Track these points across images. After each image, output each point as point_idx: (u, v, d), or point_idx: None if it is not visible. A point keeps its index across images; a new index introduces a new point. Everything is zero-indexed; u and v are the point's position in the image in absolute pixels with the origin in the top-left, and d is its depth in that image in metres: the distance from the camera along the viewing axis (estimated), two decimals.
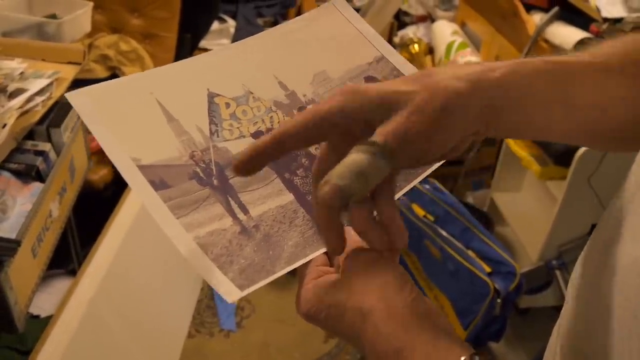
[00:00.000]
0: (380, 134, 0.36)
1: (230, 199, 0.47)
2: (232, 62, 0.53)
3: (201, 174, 0.47)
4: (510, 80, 0.38)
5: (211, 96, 0.50)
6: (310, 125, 0.38)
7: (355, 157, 0.35)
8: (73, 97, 0.46)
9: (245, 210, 0.46)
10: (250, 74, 0.53)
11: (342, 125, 0.38)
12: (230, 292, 0.42)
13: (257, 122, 0.51)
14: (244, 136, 0.50)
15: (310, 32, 0.57)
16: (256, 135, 0.50)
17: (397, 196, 0.49)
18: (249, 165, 0.40)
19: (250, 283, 0.43)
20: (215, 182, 0.47)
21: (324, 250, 0.46)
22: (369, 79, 0.56)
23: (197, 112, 0.49)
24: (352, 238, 0.43)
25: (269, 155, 0.39)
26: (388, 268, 0.41)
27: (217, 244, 0.44)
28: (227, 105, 0.51)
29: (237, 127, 0.50)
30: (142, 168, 0.45)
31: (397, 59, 0.57)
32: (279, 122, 0.51)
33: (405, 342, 0.37)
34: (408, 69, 0.57)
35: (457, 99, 0.36)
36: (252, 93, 0.52)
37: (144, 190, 0.44)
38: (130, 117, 0.47)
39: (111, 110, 0.47)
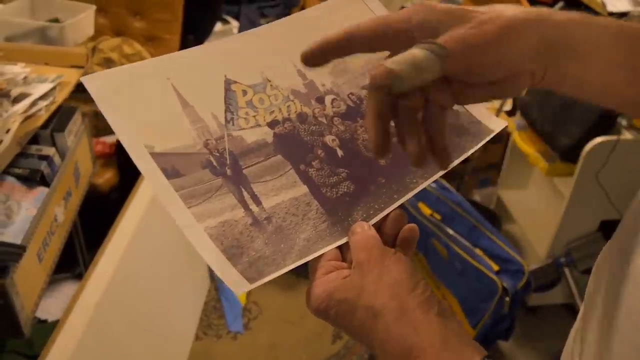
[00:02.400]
0: (441, 39, 0.37)
1: (243, 189, 0.46)
2: (251, 48, 0.52)
3: (214, 163, 0.46)
4: (576, 26, 0.38)
5: (228, 83, 0.50)
6: (379, 29, 0.39)
7: (412, 50, 0.37)
8: (88, 81, 0.46)
9: (257, 202, 0.46)
10: (268, 61, 0.52)
11: (408, 33, 0.39)
12: (238, 284, 0.41)
13: (273, 111, 0.50)
14: (259, 125, 0.49)
15: (332, 20, 0.55)
16: (272, 124, 0.49)
17: (415, 191, 0.48)
18: (316, 55, 0.41)
19: (260, 276, 0.42)
20: (228, 171, 0.46)
21: (336, 244, 0.45)
22: None
23: (214, 99, 0.49)
24: (367, 234, 0.43)
25: (336, 50, 0.41)
26: (401, 265, 0.40)
27: (228, 235, 0.43)
28: (244, 92, 0.50)
29: (254, 116, 0.49)
30: (155, 156, 0.44)
31: None
32: (295, 111, 0.50)
33: (417, 343, 0.36)
34: None
35: (518, 25, 0.37)
36: (269, 81, 0.51)
37: (156, 178, 0.44)
38: (145, 102, 0.47)
39: (126, 95, 0.46)
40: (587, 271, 1.72)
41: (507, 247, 1.63)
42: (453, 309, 1.70)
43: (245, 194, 0.46)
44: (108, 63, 1.73)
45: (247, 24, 2.43)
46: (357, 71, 0.54)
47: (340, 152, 0.50)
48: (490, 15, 0.37)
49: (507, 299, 1.55)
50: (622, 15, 1.71)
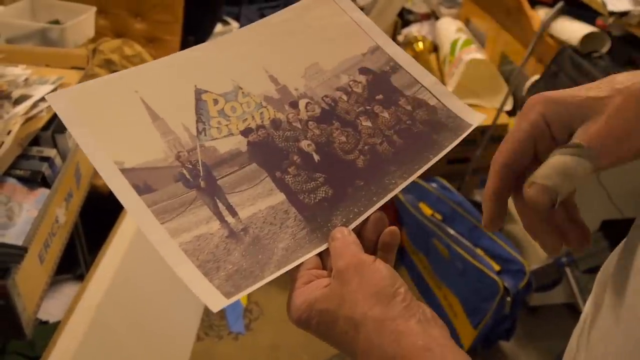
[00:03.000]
0: (582, 137, 0.37)
1: (217, 200, 0.45)
2: (221, 56, 0.51)
3: (187, 176, 0.45)
4: None
5: (199, 93, 0.49)
6: (526, 142, 0.40)
7: (560, 158, 0.37)
8: (53, 98, 0.45)
9: (233, 213, 0.45)
10: (239, 68, 0.51)
11: (545, 134, 0.39)
12: (214, 301, 0.40)
13: (246, 119, 0.49)
14: (232, 134, 0.48)
15: (302, 22, 0.55)
16: (246, 132, 0.48)
17: (394, 192, 0.48)
18: (496, 216, 0.41)
19: (237, 290, 0.41)
20: (202, 183, 0.45)
21: (316, 251, 0.44)
22: (364, 70, 0.54)
23: (184, 110, 0.48)
24: (347, 240, 0.43)
25: (504, 193, 0.41)
26: (380, 273, 0.40)
27: (204, 249, 0.42)
28: (215, 101, 0.49)
29: (226, 125, 0.48)
30: (125, 172, 0.43)
31: (394, 49, 0.55)
32: (269, 118, 0.49)
33: (398, 353, 0.36)
34: (405, 59, 0.55)
35: None
36: (241, 88, 0.50)
37: (126, 195, 0.43)
38: (113, 117, 0.46)
39: (93, 111, 0.45)
40: (589, 271, 1.71)
41: (509, 247, 1.63)
42: (454, 309, 1.70)
43: (220, 205, 0.45)
44: (109, 64, 1.73)
45: None
46: (331, 72, 0.53)
47: (316, 157, 0.49)
48: (621, 98, 0.37)
49: (509, 299, 1.55)
50: (622, 14, 1.71)
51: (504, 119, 1.89)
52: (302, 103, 0.51)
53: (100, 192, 1.55)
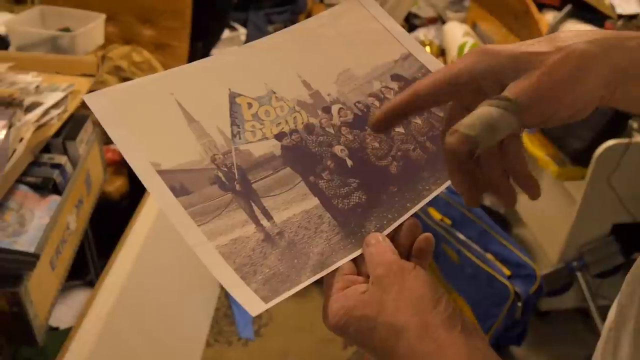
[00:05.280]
0: (511, 91, 0.36)
1: (253, 204, 0.45)
2: (255, 60, 0.52)
3: (223, 179, 0.45)
4: None
5: (233, 96, 0.49)
6: (442, 85, 0.39)
7: (485, 109, 0.36)
8: (91, 99, 0.45)
9: (268, 217, 0.45)
10: (273, 72, 0.51)
11: (472, 84, 0.39)
12: (253, 304, 0.40)
13: (280, 123, 0.49)
14: (267, 138, 0.48)
15: (335, 28, 0.55)
16: (279, 136, 0.49)
17: (428, 199, 0.48)
18: (383, 123, 0.42)
19: (275, 294, 0.41)
20: (237, 187, 0.45)
21: (351, 257, 0.44)
22: (396, 77, 0.54)
23: (219, 113, 0.48)
24: (382, 246, 0.42)
25: (403, 114, 0.41)
26: (422, 281, 0.39)
27: (240, 252, 0.42)
28: (250, 105, 0.49)
29: (260, 129, 0.48)
30: (162, 173, 0.44)
31: (426, 57, 0.56)
32: (302, 122, 0.50)
33: None
34: (437, 66, 0.55)
35: (590, 62, 0.36)
36: (274, 93, 0.50)
37: (164, 196, 0.43)
38: (150, 119, 0.46)
39: (130, 112, 0.45)
40: (600, 275, 1.70)
41: (519, 251, 1.62)
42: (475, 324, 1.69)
43: (255, 209, 0.45)
44: (118, 71, 1.74)
45: (255, 31, 2.44)
46: (363, 79, 0.53)
47: (349, 162, 0.49)
48: (559, 55, 0.36)
49: (520, 304, 1.54)
50: (631, 17, 1.70)
51: None
52: (334, 108, 0.51)
53: (110, 198, 1.56)
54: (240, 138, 0.48)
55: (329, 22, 0.55)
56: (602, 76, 0.36)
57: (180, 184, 0.44)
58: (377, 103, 0.53)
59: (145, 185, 0.43)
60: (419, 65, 0.55)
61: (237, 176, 0.46)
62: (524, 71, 0.37)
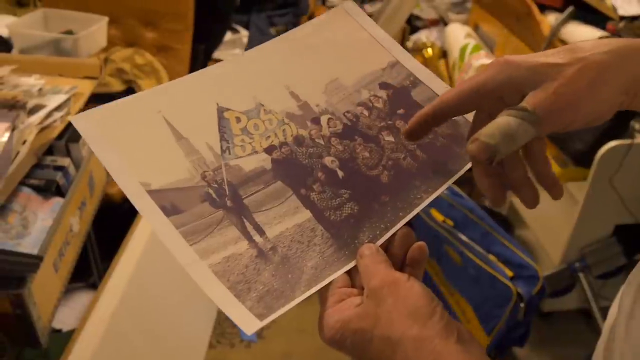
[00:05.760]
0: (530, 102, 0.38)
1: (245, 220, 0.45)
2: (242, 73, 0.51)
3: (214, 195, 0.45)
4: None
5: (221, 111, 0.48)
6: (468, 94, 0.42)
7: (505, 119, 0.38)
8: (78, 121, 0.44)
9: (261, 232, 0.44)
10: (260, 85, 0.51)
11: (495, 94, 0.41)
12: (248, 323, 0.40)
13: (269, 136, 0.49)
14: (256, 152, 0.48)
15: (321, 38, 0.55)
16: (269, 150, 0.48)
17: (420, 207, 0.47)
18: (416, 133, 0.46)
19: (269, 311, 0.40)
20: (228, 203, 0.45)
21: (345, 269, 0.44)
22: (384, 85, 0.54)
23: (207, 128, 0.47)
24: (376, 258, 0.42)
25: (432, 122, 0.45)
26: (416, 291, 0.39)
27: (234, 270, 0.42)
28: (238, 119, 0.49)
29: (249, 143, 0.48)
30: (152, 193, 0.43)
31: (413, 64, 0.55)
32: (291, 135, 0.49)
33: None
34: (425, 74, 0.55)
35: (607, 72, 0.37)
36: (263, 105, 0.50)
37: (155, 217, 0.42)
38: (138, 138, 0.45)
39: (117, 133, 0.45)
40: (602, 276, 1.70)
41: (521, 252, 1.62)
42: (467, 316, 1.69)
43: (247, 224, 0.44)
44: (120, 74, 1.74)
45: (257, 33, 2.44)
46: (351, 88, 0.53)
47: (340, 173, 0.49)
48: (576, 67, 0.37)
49: (522, 305, 1.54)
50: (633, 18, 1.70)
51: None
52: (324, 119, 0.51)
53: (113, 200, 1.56)
54: (229, 153, 0.47)
55: (316, 32, 0.55)
56: (620, 85, 0.37)
57: (170, 203, 0.43)
58: (365, 112, 0.52)
59: (136, 206, 0.42)
60: (407, 72, 0.55)
61: (228, 192, 0.45)
62: (542, 82, 0.38)
